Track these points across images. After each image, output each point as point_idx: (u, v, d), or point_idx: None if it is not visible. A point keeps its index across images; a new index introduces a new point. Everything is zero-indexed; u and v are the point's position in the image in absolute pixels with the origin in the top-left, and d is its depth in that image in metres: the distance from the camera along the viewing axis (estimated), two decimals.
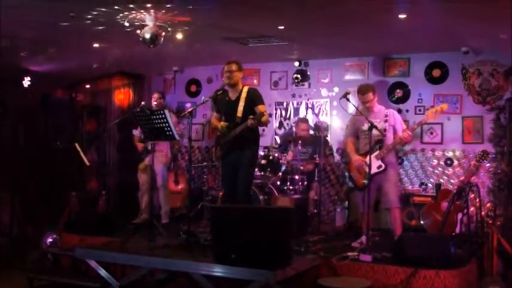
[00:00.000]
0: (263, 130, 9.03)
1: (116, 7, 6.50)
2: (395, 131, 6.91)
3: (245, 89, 6.74)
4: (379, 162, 6.70)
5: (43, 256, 7.47)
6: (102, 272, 5.99)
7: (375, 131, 6.46)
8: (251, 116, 6.35)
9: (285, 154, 8.59)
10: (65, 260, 7.28)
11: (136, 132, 8.66)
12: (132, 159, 8.83)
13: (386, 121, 6.86)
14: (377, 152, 6.71)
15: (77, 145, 8.73)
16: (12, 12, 6.55)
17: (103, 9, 6.60)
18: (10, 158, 10.49)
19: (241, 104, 6.63)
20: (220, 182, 8.53)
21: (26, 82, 10.01)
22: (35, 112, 10.91)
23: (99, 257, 6.01)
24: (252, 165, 6.89)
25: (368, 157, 6.51)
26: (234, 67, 6.67)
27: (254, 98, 6.68)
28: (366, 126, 6.77)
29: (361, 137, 7.05)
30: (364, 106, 7.02)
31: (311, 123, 9.48)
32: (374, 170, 6.59)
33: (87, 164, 8.85)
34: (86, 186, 10.66)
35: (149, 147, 8.00)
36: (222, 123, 6.84)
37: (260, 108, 6.59)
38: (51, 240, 7.56)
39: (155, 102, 8.53)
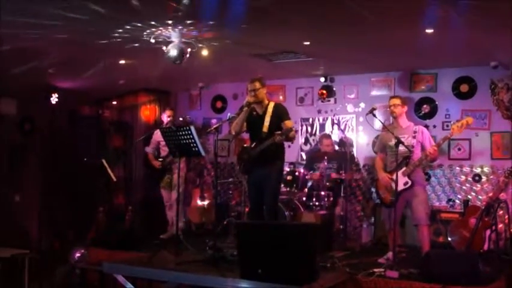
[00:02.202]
0: (289, 146, 9.03)
1: (142, 24, 6.59)
2: (423, 148, 6.82)
3: (271, 104, 6.74)
4: (406, 179, 6.64)
5: (71, 271, 7.52)
6: (129, 287, 6.02)
7: (402, 147, 6.44)
8: (278, 132, 6.34)
9: (311, 172, 8.60)
10: (92, 275, 7.33)
11: (149, 149, 8.76)
12: (156, 176, 8.87)
13: (414, 137, 6.81)
14: (404, 169, 6.65)
15: (104, 161, 8.81)
16: (40, 30, 6.68)
17: (129, 26, 6.69)
18: (38, 174, 10.64)
19: (267, 119, 6.63)
20: (245, 197, 8.54)
21: (54, 99, 10.14)
22: (62, 129, 11.05)
23: (127, 271, 6.02)
24: (278, 181, 6.87)
25: (395, 174, 6.49)
26: (257, 85, 6.66)
27: (280, 114, 6.68)
28: (393, 142, 6.73)
29: (388, 153, 7.01)
30: (390, 113, 7.01)
31: (336, 139, 9.45)
32: (400, 186, 6.52)
33: (114, 179, 8.94)
34: (113, 201, 10.73)
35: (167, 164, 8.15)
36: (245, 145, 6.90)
37: (287, 123, 6.58)
38: (79, 255, 7.59)
39: (169, 119, 8.60)
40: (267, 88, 6.90)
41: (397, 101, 6.96)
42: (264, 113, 6.69)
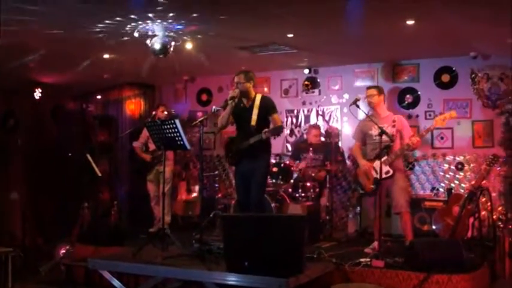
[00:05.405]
0: (274, 138, 9.02)
1: (125, 17, 6.56)
2: (401, 137, 6.92)
3: (258, 97, 6.71)
4: (387, 168, 6.68)
5: (56, 267, 7.48)
6: (116, 283, 6.02)
7: (383, 137, 6.49)
8: (266, 130, 6.35)
9: (297, 162, 8.61)
10: (78, 271, 7.30)
11: (137, 144, 8.74)
12: (143, 170, 8.85)
13: (393, 126, 6.89)
14: (385, 158, 6.70)
15: (88, 156, 8.75)
16: (23, 24, 6.63)
17: (112, 20, 6.65)
18: (22, 169, 10.56)
19: (255, 112, 6.59)
20: (232, 190, 8.56)
21: (37, 94, 10.07)
22: (46, 123, 10.98)
23: (112, 267, 6.03)
24: (265, 174, 6.87)
25: (376, 162, 6.55)
26: (242, 78, 6.65)
27: (268, 107, 6.67)
28: (374, 132, 6.82)
29: (368, 142, 7.09)
30: (368, 104, 7.08)
31: (322, 130, 9.48)
32: (382, 175, 6.59)
33: (99, 174, 8.88)
34: (98, 196, 10.68)
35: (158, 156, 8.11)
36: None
37: (276, 118, 6.62)
38: (64, 251, 7.56)
39: (165, 113, 8.58)
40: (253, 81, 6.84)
41: (373, 91, 7.08)
42: (252, 105, 6.67)
